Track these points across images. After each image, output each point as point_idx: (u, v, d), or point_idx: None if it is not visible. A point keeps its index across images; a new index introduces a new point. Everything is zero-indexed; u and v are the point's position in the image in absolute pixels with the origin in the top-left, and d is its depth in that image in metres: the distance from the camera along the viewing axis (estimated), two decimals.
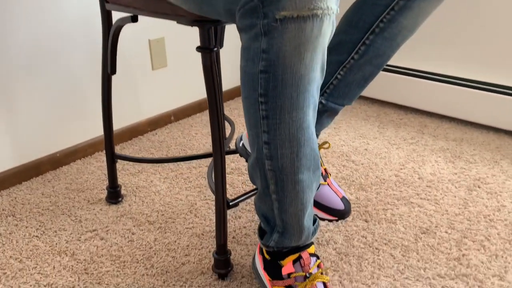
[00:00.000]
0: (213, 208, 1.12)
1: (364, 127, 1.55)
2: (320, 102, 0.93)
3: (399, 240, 0.99)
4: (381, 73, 1.65)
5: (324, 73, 0.66)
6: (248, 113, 0.68)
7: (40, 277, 0.90)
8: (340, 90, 0.92)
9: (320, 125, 0.95)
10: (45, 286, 0.88)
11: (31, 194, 1.19)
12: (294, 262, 0.75)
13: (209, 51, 0.72)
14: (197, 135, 1.52)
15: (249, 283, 0.88)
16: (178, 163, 1.33)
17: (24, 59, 1.17)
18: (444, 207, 1.10)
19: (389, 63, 1.70)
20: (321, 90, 0.94)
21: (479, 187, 1.19)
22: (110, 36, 0.92)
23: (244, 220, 1.07)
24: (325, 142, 0.98)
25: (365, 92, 1.73)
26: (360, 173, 1.27)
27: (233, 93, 1.82)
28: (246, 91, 0.67)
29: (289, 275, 0.76)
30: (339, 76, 0.90)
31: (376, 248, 0.97)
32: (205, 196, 1.17)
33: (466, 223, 1.05)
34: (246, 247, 0.98)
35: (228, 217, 1.08)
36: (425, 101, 1.59)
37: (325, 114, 0.94)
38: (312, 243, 0.79)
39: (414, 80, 1.59)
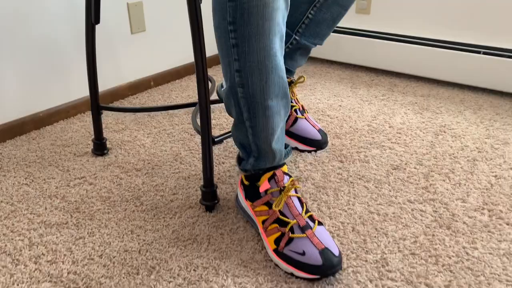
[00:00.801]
0: (198, 156, 1.17)
1: (338, 88, 1.62)
2: (294, 39, 1.00)
3: (372, 175, 1.07)
4: (352, 37, 1.73)
5: (289, 4, 0.73)
6: (220, 42, 0.75)
7: (33, 217, 0.94)
8: (311, 29, 0.99)
9: (294, 61, 1.02)
10: (38, 223, 0.92)
11: (17, 150, 1.21)
12: (269, 179, 0.83)
13: None
14: (178, 98, 1.56)
15: (234, 213, 0.94)
16: (160, 120, 1.37)
17: (3, 19, 1.19)
18: (413, 149, 1.19)
19: (359, 27, 1.77)
20: (294, 28, 1.02)
21: (444, 132, 1.28)
22: None
23: (228, 165, 1.13)
24: (301, 77, 1.06)
25: (338, 57, 1.81)
26: (335, 124, 1.34)
27: (208, 63, 1.86)
28: (217, 21, 0.73)
29: (266, 192, 0.83)
30: (310, 16, 0.98)
31: (351, 182, 1.04)
32: (189, 147, 1.22)
33: (433, 160, 1.13)
34: (230, 185, 1.04)
35: None
36: (395, 62, 1.67)
37: (299, 51, 1.00)
38: (284, 163, 0.86)
39: (384, 43, 1.67)
